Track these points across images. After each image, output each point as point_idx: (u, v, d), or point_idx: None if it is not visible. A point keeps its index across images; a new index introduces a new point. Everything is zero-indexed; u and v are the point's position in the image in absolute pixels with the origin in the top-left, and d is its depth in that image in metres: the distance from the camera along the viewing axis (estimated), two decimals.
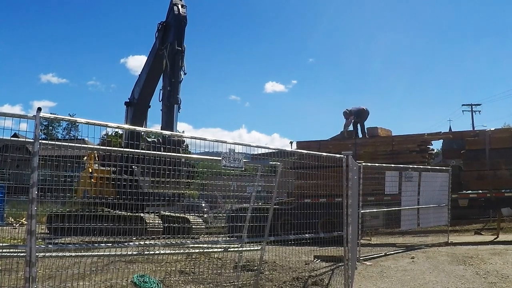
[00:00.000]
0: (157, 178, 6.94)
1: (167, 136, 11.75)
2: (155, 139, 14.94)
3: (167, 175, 6.13)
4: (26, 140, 4.96)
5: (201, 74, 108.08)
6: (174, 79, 16.47)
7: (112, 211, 9.25)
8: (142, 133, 16.37)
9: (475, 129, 31.61)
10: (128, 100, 19.39)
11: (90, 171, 15.81)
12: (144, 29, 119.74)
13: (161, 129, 16.72)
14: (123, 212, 10.88)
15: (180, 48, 16.59)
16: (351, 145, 15.21)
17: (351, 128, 16.77)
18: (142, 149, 13.25)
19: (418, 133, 15.89)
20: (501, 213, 15.14)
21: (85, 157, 16.86)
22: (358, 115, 16.59)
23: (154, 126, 19.87)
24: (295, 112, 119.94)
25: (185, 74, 16.81)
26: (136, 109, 19.09)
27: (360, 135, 16.55)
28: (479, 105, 46.13)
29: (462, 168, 14.60)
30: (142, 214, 13.82)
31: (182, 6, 16.89)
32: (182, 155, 6.67)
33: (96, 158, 16.32)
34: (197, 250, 7.89)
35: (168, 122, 16.47)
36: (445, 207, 12.61)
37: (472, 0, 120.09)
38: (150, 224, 13.73)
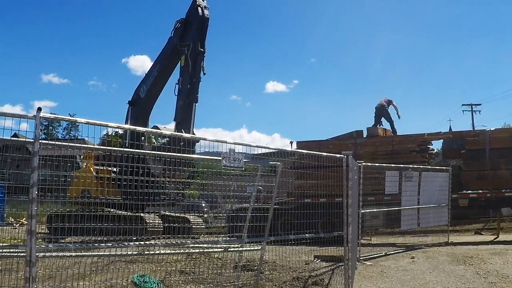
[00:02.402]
0: (160, 178, 6.94)
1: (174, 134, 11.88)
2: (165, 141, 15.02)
3: (175, 175, 6.14)
4: (26, 140, 4.96)
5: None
6: (195, 79, 16.79)
7: (112, 211, 9.25)
8: (151, 135, 16.45)
9: (475, 129, 31.62)
10: (132, 100, 19.33)
11: (92, 171, 15.83)
12: (145, 29, 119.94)
13: (174, 120, 17.00)
14: (123, 212, 10.88)
15: (202, 49, 16.89)
16: (351, 145, 15.21)
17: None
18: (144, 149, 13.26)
19: (418, 133, 15.90)
20: (501, 213, 15.13)
21: (81, 156, 16.85)
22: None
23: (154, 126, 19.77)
24: (296, 112, 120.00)
25: (204, 74, 17.13)
26: (141, 108, 19.06)
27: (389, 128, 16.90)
28: (479, 105, 46.10)
29: (462, 168, 14.60)
30: (142, 214, 13.81)
31: (205, 7, 17.15)
32: (182, 155, 6.67)
33: (95, 157, 16.31)
34: (197, 250, 7.89)
35: (186, 118, 16.70)
36: (445, 207, 12.61)
37: (472, 0, 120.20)
38: (150, 224, 13.73)
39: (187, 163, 6.95)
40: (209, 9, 17.35)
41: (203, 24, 17.05)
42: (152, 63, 19.47)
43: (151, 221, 13.99)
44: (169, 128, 18.15)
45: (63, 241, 6.43)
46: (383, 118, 17.10)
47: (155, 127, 17.03)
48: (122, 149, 9.86)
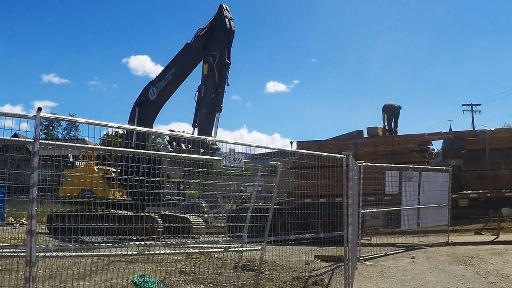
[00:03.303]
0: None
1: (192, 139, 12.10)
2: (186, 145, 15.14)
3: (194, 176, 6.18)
4: (26, 140, 4.96)
5: None
6: (220, 89, 16.93)
7: (112, 211, 9.25)
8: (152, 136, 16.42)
9: (475, 129, 31.62)
10: (139, 101, 19.20)
11: (95, 170, 15.88)
12: (145, 29, 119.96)
13: (193, 126, 17.12)
14: (123, 212, 10.89)
15: (228, 61, 17.06)
16: (351, 145, 15.22)
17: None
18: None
19: (418, 133, 15.91)
20: (501, 213, 15.15)
21: (79, 156, 16.87)
22: (386, 111, 16.80)
23: (156, 126, 19.72)
24: (296, 112, 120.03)
25: (227, 85, 17.26)
26: (149, 110, 19.01)
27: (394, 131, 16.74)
28: (479, 105, 46.02)
29: (462, 168, 14.61)
30: (156, 215, 13.81)
31: (231, 19, 17.29)
32: (182, 155, 6.67)
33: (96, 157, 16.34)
34: (197, 250, 7.89)
35: (208, 126, 16.79)
36: (445, 207, 12.61)
37: (472, 0, 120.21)
38: (160, 224, 13.74)
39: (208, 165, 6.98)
40: (212, 12, 17.48)
41: (230, 37, 17.21)
42: (165, 66, 19.20)
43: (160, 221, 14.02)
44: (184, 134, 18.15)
45: (82, 240, 6.41)
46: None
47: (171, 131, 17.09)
48: (118, 148, 9.87)
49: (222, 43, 17.11)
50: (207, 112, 16.87)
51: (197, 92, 17.28)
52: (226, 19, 17.05)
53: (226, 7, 17.32)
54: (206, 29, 17.62)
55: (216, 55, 16.94)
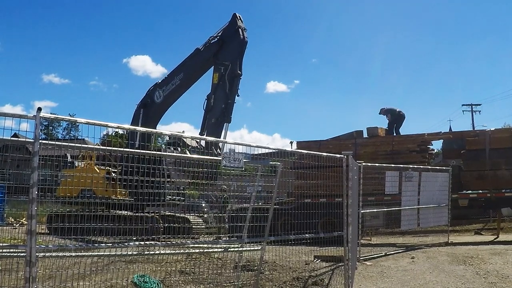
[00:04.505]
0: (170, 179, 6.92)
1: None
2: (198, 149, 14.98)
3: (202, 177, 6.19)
4: (26, 140, 4.96)
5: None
6: (230, 100, 16.78)
7: (112, 211, 9.24)
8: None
9: (475, 129, 31.65)
10: (144, 103, 18.99)
11: (98, 171, 15.87)
12: (146, 29, 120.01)
13: (200, 134, 16.80)
14: (123, 212, 10.89)
15: (240, 72, 16.91)
16: (351, 145, 15.21)
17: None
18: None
19: (418, 133, 15.90)
20: (501, 213, 15.15)
21: (79, 155, 16.85)
22: (391, 114, 16.72)
23: (158, 127, 19.61)
24: (296, 112, 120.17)
25: (238, 96, 17.10)
26: (154, 112, 18.91)
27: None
28: (479, 105, 46.02)
29: (462, 168, 14.61)
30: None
31: (244, 29, 17.10)
32: (182, 155, 6.68)
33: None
34: (197, 250, 7.89)
35: (215, 135, 16.46)
36: (445, 207, 12.61)
37: (472, 0, 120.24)
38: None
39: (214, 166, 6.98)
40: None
41: (243, 48, 17.05)
42: (172, 69, 18.90)
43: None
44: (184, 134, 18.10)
45: (82, 240, 6.41)
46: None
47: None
48: (118, 148, 9.88)
49: (234, 53, 16.90)
50: (216, 122, 16.70)
51: (206, 101, 17.03)
52: (240, 29, 16.81)
53: (239, 16, 17.07)
54: (218, 37, 17.35)
55: (228, 65, 16.76)
